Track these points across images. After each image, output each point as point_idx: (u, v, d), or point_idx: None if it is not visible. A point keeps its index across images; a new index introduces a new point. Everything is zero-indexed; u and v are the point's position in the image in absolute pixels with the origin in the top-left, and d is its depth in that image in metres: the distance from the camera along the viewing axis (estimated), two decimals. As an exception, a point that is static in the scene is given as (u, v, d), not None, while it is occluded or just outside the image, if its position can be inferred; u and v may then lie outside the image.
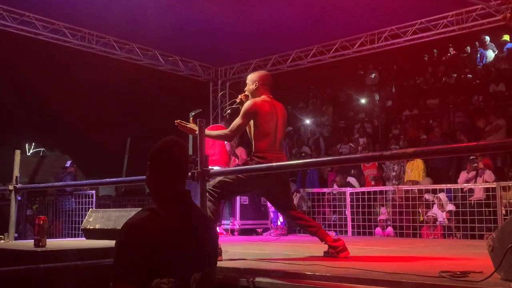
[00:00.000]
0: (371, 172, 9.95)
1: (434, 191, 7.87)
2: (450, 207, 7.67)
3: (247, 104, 4.11)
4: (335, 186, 9.35)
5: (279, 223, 7.89)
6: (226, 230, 7.89)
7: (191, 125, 4.09)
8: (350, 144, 11.51)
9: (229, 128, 4.21)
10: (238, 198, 7.81)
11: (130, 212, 4.60)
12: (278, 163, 3.78)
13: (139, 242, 1.90)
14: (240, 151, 8.23)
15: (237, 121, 4.10)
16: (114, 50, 10.64)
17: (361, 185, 9.57)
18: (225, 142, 7.26)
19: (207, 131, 3.94)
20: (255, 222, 8.16)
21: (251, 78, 4.27)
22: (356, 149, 11.12)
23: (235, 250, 4.71)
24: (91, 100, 19.42)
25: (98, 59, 11.61)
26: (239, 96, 4.33)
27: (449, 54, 14.76)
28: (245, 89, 4.30)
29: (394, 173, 9.56)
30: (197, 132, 3.72)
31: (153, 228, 1.93)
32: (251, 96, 4.24)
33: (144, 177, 2.17)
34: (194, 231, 2.06)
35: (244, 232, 7.97)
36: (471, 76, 13.21)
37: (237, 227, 7.85)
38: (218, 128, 6.88)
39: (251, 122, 4.14)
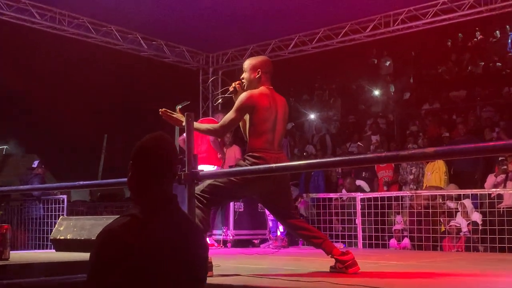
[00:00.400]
0: (385, 174, 9.96)
1: (458, 198, 7.88)
2: (476, 215, 7.69)
3: (243, 96, 4.10)
4: (343, 191, 9.36)
5: (278, 233, 7.90)
6: (218, 241, 7.89)
7: (178, 115, 4.08)
8: (358, 143, 11.52)
9: (219, 123, 4.20)
10: (231, 204, 7.81)
11: (107, 220, 4.59)
12: (278, 164, 3.78)
13: (118, 252, 1.88)
14: (234, 150, 8.22)
15: (230, 115, 4.10)
16: (89, 33, 10.62)
17: (374, 190, 9.58)
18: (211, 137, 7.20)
19: (196, 124, 3.93)
20: (251, 232, 8.15)
21: (252, 65, 4.23)
22: (368, 148, 11.14)
23: (228, 264, 4.71)
24: (62, 90, 19.35)
25: (70, 43, 11.56)
26: (233, 84, 4.31)
27: (475, 39, 14.79)
28: (243, 76, 4.26)
29: (411, 177, 9.58)
30: (184, 124, 3.71)
31: (135, 237, 1.91)
32: (248, 86, 4.22)
33: (125, 179, 2.16)
34: (182, 240, 2.05)
35: (238, 243, 7.97)
36: (500, 64, 13.24)
37: (231, 237, 7.85)
38: (209, 122, 6.86)
39: (246, 117, 4.14)
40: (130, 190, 2.15)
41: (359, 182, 9.63)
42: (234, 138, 8.14)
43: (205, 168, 6.84)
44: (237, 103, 4.10)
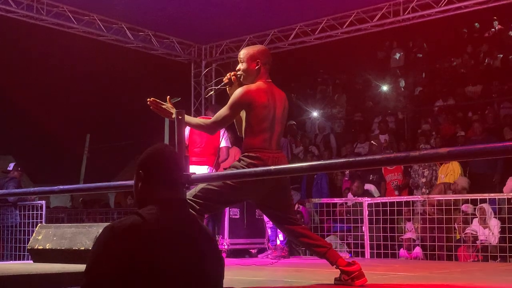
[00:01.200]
0: (394, 178, 9.96)
1: (475, 202, 7.90)
2: (494, 221, 7.71)
3: (238, 92, 4.10)
4: (349, 196, 9.37)
5: (278, 242, 7.90)
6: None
7: (168, 106, 4.09)
8: (372, 141, 11.50)
9: (212, 118, 4.21)
10: (226, 210, 7.82)
11: (90, 228, 4.59)
12: (277, 167, 3.78)
13: (124, 248, 1.95)
14: (235, 152, 8.21)
15: (223, 111, 4.11)
16: (69, 23, 10.60)
17: (383, 194, 9.58)
18: (225, 145, 7.33)
19: (186, 117, 3.93)
20: (248, 241, 8.16)
21: (250, 55, 4.22)
22: (379, 149, 11.13)
23: (223, 276, 4.71)
24: (40, 85, 19.34)
25: (49, 34, 11.54)
26: (228, 75, 4.30)
27: (493, 29, 14.82)
28: (239, 67, 4.25)
29: (424, 180, 9.60)
30: (174, 116, 3.70)
31: (143, 236, 1.99)
32: (245, 78, 4.21)
33: (110, 183, 2.22)
34: (193, 245, 2.11)
35: (234, 253, 7.97)
36: (521, 57, 13.27)
37: (226, 247, 7.86)
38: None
39: (242, 114, 4.15)
40: (137, 199, 2.26)
41: (367, 186, 9.65)
42: (235, 138, 8.13)
43: (198, 170, 6.84)
44: (231, 99, 4.11)
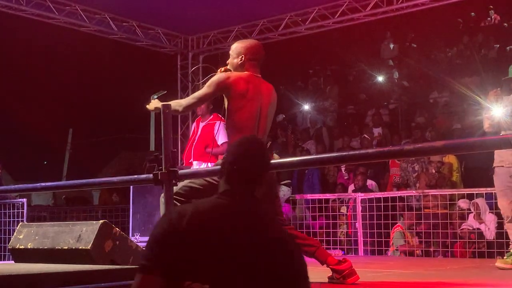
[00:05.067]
0: (397, 173, 9.89)
1: (471, 197, 7.93)
2: (491, 217, 7.75)
3: (219, 75, 4.17)
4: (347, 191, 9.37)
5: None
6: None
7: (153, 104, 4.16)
8: (365, 135, 11.51)
9: (189, 97, 4.27)
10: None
11: (73, 227, 4.57)
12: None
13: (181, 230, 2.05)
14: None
15: (202, 90, 4.17)
16: (50, 13, 10.53)
17: (383, 187, 9.59)
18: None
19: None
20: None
21: (237, 49, 4.31)
22: (370, 143, 11.14)
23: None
24: (20, 79, 19.25)
25: (28, 25, 11.47)
26: (219, 70, 4.32)
27: (489, 19, 14.86)
28: (228, 61, 4.34)
29: (415, 175, 9.62)
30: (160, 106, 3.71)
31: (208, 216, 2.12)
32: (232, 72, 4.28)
33: (94, 180, 2.21)
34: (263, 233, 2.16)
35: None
36: (518, 47, 13.31)
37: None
38: (215, 118, 6.66)
39: (226, 106, 4.17)
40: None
41: (369, 182, 9.65)
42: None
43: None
44: (211, 79, 4.17)
